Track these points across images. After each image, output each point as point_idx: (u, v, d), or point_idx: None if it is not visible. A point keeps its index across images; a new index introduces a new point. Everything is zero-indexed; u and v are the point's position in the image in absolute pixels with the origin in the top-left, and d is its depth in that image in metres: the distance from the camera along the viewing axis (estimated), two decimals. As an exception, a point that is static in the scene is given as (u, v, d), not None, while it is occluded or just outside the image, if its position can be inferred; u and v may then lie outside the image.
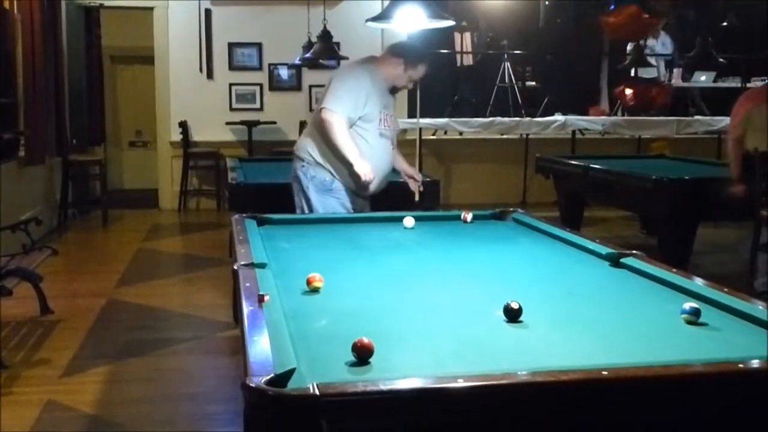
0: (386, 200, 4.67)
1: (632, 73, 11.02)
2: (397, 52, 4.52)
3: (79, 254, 7.65)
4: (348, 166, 4.33)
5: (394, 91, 4.58)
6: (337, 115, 4.31)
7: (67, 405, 3.87)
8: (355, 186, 4.46)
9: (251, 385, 1.65)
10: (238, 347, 2.20)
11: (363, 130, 4.39)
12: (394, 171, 4.71)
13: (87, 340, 4.86)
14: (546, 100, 10.87)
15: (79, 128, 9.40)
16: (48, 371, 4.34)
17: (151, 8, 9.87)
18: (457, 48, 11.49)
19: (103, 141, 10.58)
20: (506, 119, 10.08)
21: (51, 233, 8.18)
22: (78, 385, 4.14)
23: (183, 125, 9.80)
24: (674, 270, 2.78)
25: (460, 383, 1.69)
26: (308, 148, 4.55)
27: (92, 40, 10.00)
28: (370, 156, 4.36)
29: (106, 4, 9.84)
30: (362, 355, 1.89)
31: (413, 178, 4.74)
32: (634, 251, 3.07)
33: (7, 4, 7.12)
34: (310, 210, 4.52)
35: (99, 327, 5.15)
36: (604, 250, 3.16)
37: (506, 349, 2.08)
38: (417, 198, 4.68)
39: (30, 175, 7.76)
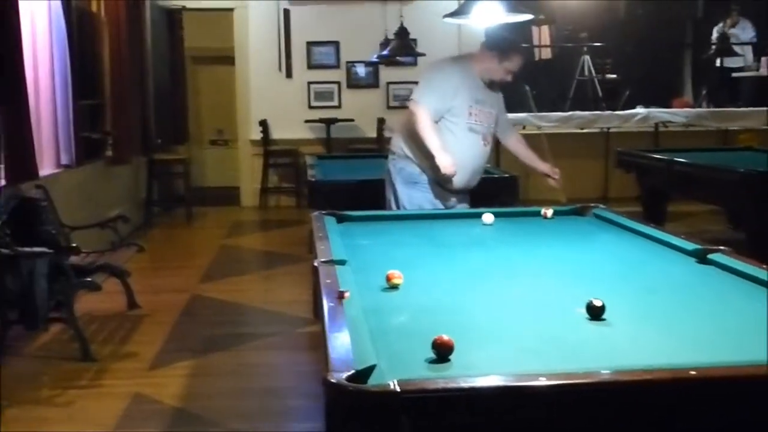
0: (488, 196, 4.63)
1: (717, 63, 10.70)
2: (490, 45, 4.48)
3: (164, 251, 7.84)
4: (432, 158, 4.32)
5: (494, 86, 4.52)
6: (421, 106, 4.32)
7: (153, 398, 3.97)
8: (440, 179, 4.44)
9: (332, 380, 1.66)
10: (318, 343, 2.22)
11: (451, 123, 4.36)
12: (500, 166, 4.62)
13: (172, 335, 4.98)
14: (627, 93, 10.64)
15: (163, 128, 9.62)
16: (135, 364, 4.46)
17: (232, 9, 10.05)
18: (535, 42, 11.35)
19: (187, 140, 10.81)
20: (586, 113, 9.91)
21: (137, 230, 8.41)
22: (163, 378, 4.24)
23: (263, 124, 9.94)
24: (764, 266, 2.69)
25: (542, 381, 1.67)
26: (399, 141, 4.59)
27: (175, 41, 10.23)
28: (456, 149, 4.32)
29: (188, 6, 10.05)
30: (442, 352, 1.88)
31: (549, 175, 4.61)
32: (721, 247, 2.98)
33: (94, 8, 7.34)
34: (397, 202, 4.54)
35: (183, 322, 5.27)
36: (690, 245, 3.07)
37: (588, 347, 2.04)
38: (563, 198, 4.45)
39: (117, 174, 7.99)
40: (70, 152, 6.39)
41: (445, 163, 4.23)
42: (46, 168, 6.00)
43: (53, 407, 3.90)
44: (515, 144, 4.76)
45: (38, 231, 4.77)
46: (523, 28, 10.32)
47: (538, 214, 4.05)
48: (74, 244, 4.90)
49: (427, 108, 4.31)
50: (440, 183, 4.46)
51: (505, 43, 4.44)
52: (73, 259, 4.86)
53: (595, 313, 2.22)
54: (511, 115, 8.36)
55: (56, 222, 5.09)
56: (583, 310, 2.25)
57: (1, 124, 5.06)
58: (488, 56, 4.41)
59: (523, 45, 10.64)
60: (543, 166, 4.64)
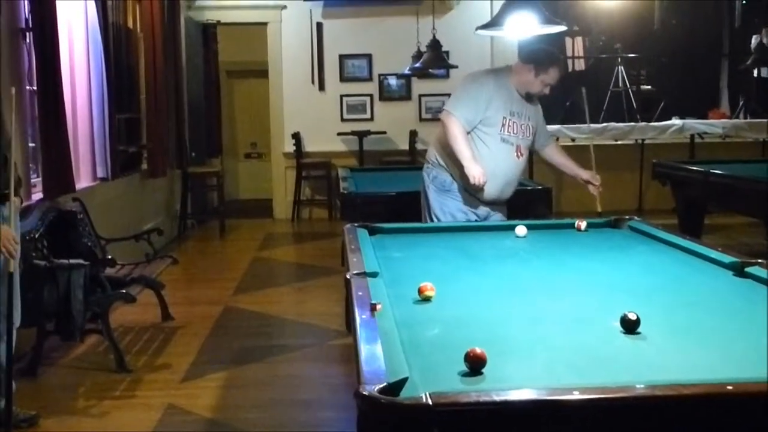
0: (522, 208, 4.63)
1: (755, 73, 10.57)
2: (527, 58, 4.47)
3: (198, 263, 7.89)
4: (462, 167, 4.33)
5: (531, 98, 4.49)
6: (453, 117, 4.34)
7: (187, 409, 3.99)
8: (470, 189, 4.43)
9: (364, 393, 1.66)
10: (351, 355, 2.22)
11: (483, 134, 4.36)
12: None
13: (205, 346, 5.01)
14: (662, 103, 10.54)
15: (198, 141, 9.72)
16: (169, 376, 4.49)
17: (265, 23, 10.13)
18: (569, 53, 11.30)
19: (220, 153, 10.90)
20: (620, 124, 9.84)
21: (171, 242, 8.48)
22: (197, 389, 4.27)
23: (296, 136, 10.00)
24: (803, 280, 2.64)
25: (576, 395, 1.66)
26: (433, 150, 4.62)
27: (210, 55, 10.33)
28: (488, 160, 4.32)
29: (223, 20, 10.16)
30: (475, 365, 1.87)
31: (591, 182, 4.58)
32: (759, 260, 2.93)
33: (130, 23, 7.44)
34: (430, 210, 4.55)
35: (216, 333, 5.30)
36: (727, 258, 3.03)
37: (623, 360, 2.02)
38: (599, 208, 4.39)
39: (152, 187, 8.07)
40: (107, 165, 6.47)
41: (474, 172, 4.22)
42: (82, 181, 6.09)
43: (88, 417, 3.93)
44: (553, 153, 4.74)
45: (75, 243, 4.84)
46: (557, 39, 10.28)
47: (572, 226, 4.02)
48: (110, 256, 4.95)
49: (459, 118, 4.32)
50: (472, 192, 4.45)
51: (543, 55, 4.42)
52: (109, 270, 4.92)
53: (630, 326, 2.20)
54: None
55: (92, 234, 5.16)
56: (618, 324, 2.22)
57: (39, 138, 5.14)
58: (525, 69, 4.40)
59: (561, 57, 10.66)
60: (584, 174, 4.63)
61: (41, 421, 3.80)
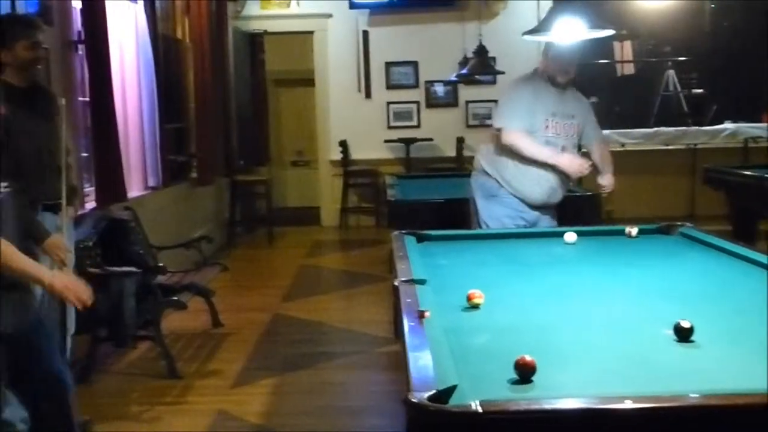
0: (570, 214, 4.59)
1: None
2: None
3: (247, 270, 7.95)
4: (509, 172, 4.33)
5: (569, 93, 4.47)
6: (513, 130, 4.32)
7: (236, 415, 4.03)
8: (526, 195, 4.40)
9: (413, 400, 1.66)
10: (399, 362, 2.22)
11: None
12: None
13: (254, 353, 5.05)
14: (714, 107, 10.36)
15: (246, 149, 9.81)
16: (219, 382, 4.53)
17: (312, 32, 10.20)
18: (617, 57, 11.17)
19: (268, 161, 10.98)
20: (671, 129, 9.70)
21: (220, 250, 8.57)
22: (246, 396, 4.30)
23: (343, 144, 10.04)
24: None
25: (628, 404, 1.63)
26: (479, 157, 4.63)
27: (256, 65, 10.43)
28: (533, 164, 4.31)
29: (269, 30, 10.25)
30: (524, 372, 1.86)
31: (601, 186, 4.58)
32: (816, 266, 2.87)
33: (179, 34, 7.56)
34: (478, 217, 4.55)
35: (265, 340, 5.34)
36: (783, 265, 2.96)
37: (676, 369, 1.98)
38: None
39: (201, 195, 8.17)
40: (157, 174, 6.58)
41: (572, 166, 4.23)
42: (134, 190, 6.19)
43: (140, 423, 3.99)
44: (596, 148, 4.64)
45: (127, 251, 4.91)
46: (605, 43, 10.18)
47: (622, 232, 3.97)
48: (161, 264, 5.02)
49: (520, 128, 4.31)
50: (520, 197, 4.43)
51: (547, 42, 4.42)
52: (160, 278, 4.98)
53: (683, 334, 2.16)
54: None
55: (144, 242, 5.23)
56: (671, 332, 2.19)
57: (92, 148, 5.24)
58: (542, 60, 4.45)
59: (602, 62, 10.54)
60: (602, 178, 4.57)
61: (94, 426, 3.86)
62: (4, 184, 2.76)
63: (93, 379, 4.51)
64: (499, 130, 4.39)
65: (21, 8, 4.25)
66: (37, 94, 3.57)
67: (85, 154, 5.35)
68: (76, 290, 2.72)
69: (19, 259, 2.64)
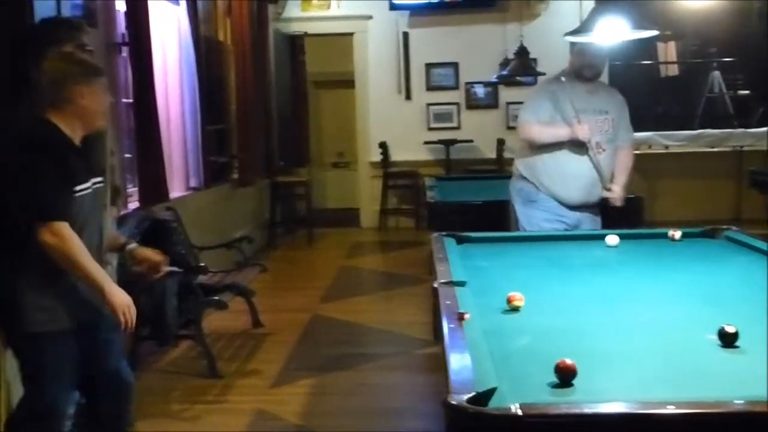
0: (612, 217, 4.49)
1: None
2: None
3: (286, 271, 8.00)
4: (547, 177, 4.33)
5: (600, 89, 4.45)
6: (526, 123, 4.36)
7: (276, 414, 4.05)
8: (564, 196, 4.37)
9: (452, 402, 1.65)
10: (438, 364, 2.21)
11: None
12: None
13: (294, 353, 5.07)
14: (761, 109, 10.18)
15: (286, 151, 9.86)
16: (258, 382, 4.56)
17: (352, 34, 10.23)
18: (661, 58, 11.03)
19: (308, 162, 11.03)
20: (716, 131, 9.55)
21: (261, 251, 8.62)
22: (285, 395, 4.32)
23: (382, 146, 10.05)
24: None
25: (670, 410, 1.61)
26: (517, 162, 4.62)
27: (297, 66, 10.48)
28: (565, 163, 4.29)
29: (310, 32, 10.30)
30: (565, 376, 1.84)
31: (610, 193, 4.46)
32: None
33: (221, 36, 7.62)
34: (518, 222, 4.54)
35: (305, 341, 5.36)
36: (831, 269, 2.90)
37: (720, 375, 1.95)
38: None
39: (242, 196, 8.23)
40: (199, 175, 6.64)
41: (576, 132, 4.19)
42: (176, 190, 6.25)
43: (181, 421, 4.03)
44: (618, 154, 4.52)
45: (169, 251, 4.93)
46: (648, 44, 10.06)
47: (665, 236, 3.92)
48: (202, 264, 5.07)
49: (532, 120, 4.34)
50: (558, 199, 4.39)
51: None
52: (201, 278, 5.02)
53: (728, 339, 2.13)
54: (634, 135, 8.12)
55: (186, 242, 5.28)
56: (715, 337, 2.15)
57: (135, 149, 5.31)
58: (570, 55, 4.44)
59: (645, 63, 10.41)
60: (613, 184, 4.45)
61: (137, 423, 3.90)
62: (100, 178, 2.82)
63: (135, 377, 4.55)
64: (517, 126, 4.47)
65: (66, 11, 4.32)
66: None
67: (128, 155, 5.41)
68: (131, 314, 2.75)
69: (87, 262, 2.66)
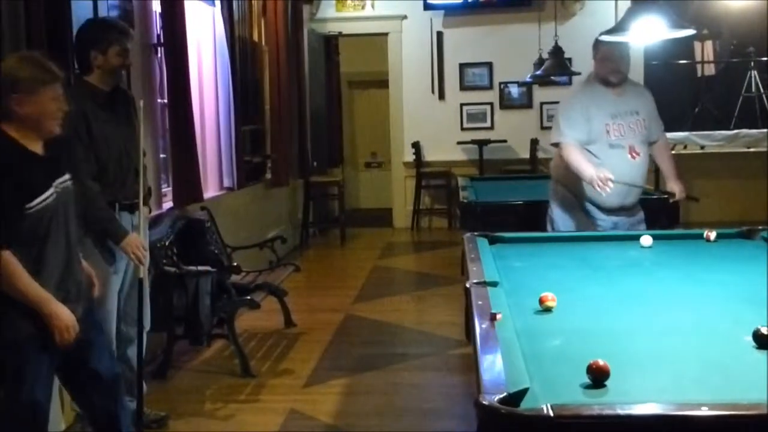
0: (647, 218, 4.49)
1: None
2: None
3: (319, 271, 8.03)
4: (614, 168, 4.26)
5: (627, 91, 4.41)
6: (563, 142, 4.31)
7: (308, 414, 4.06)
8: (600, 200, 4.34)
9: (484, 402, 1.65)
10: (470, 365, 2.21)
11: (591, 146, 4.30)
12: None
13: (326, 353, 5.09)
14: (800, 109, 10.02)
15: (320, 151, 9.90)
16: (291, 381, 4.58)
17: (386, 34, 10.24)
18: (698, 58, 10.90)
19: (341, 163, 11.06)
20: (753, 131, 9.43)
21: (294, 251, 8.66)
22: (318, 395, 4.33)
23: (416, 146, 10.05)
24: None
25: (704, 411, 1.59)
26: (552, 165, 4.63)
27: (331, 67, 10.52)
28: (599, 167, 4.25)
29: (344, 32, 10.33)
30: (598, 377, 1.83)
31: (674, 194, 4.47)
32: None
33: (255, 37, 7.67)
34: (553, 225, 4.53)
35: (337, 340, 5.37)
36: None
37: (755, 377, 1.92)
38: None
39: (275, 196, 8.27)
40: (233, 175, 6.68)
41: (591, 175, 4.12)
42: (210, 190, 6.30)
43: (215, 420, 4.06)
44: (657, 150, 4.56)
45: (203, 250, 5.00)
46: (685, 43, 9.94)
47: (700, 236, 3.87)
48: (236, 264, 5.10)
49: (570, 139, 4.29)
50: (596, 204, 4.36)
51: (594, 44, 4.39)
52: (235, 277, 5.06)
53: (763, 341, 2.10)
54: (670, 135, 8.09)
55: (219, 242, 5.32)
56: (750, 338, 2.12)
57: (170, 149, 5.36)
58: (594, 62, 4.41)
59: (682, 62, 10.30)
60: (675, 186, 4.46)
61: (170, 422, 3.95)
62: (66, 177, 2.78)
63: (169, 376, 4.61)
64: (556, 144, 4.39)
65: (102, 11, 4.37)
66: (118, 97, 3.66)
67: (162, 155, 5.47)
68: (71, 334, 2.66)
69: (23, 280, 2.58)
